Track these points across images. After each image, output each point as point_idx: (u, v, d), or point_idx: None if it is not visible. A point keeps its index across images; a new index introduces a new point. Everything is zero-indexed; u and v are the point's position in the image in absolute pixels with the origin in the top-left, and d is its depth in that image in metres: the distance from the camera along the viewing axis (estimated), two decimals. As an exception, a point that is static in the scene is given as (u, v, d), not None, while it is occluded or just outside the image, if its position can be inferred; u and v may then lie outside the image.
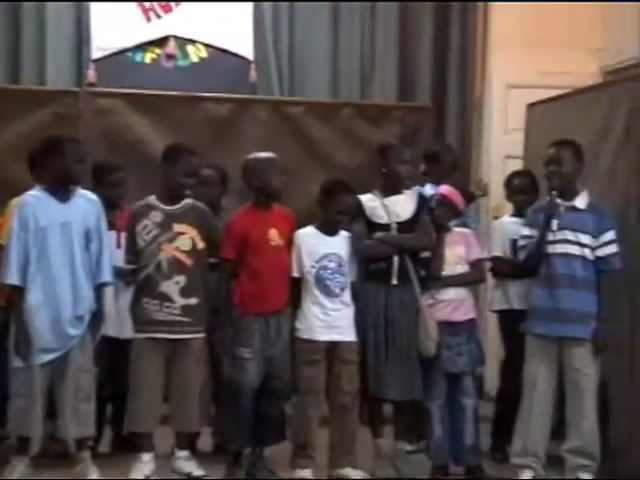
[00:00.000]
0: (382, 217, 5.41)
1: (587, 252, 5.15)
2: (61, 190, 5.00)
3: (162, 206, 5.24)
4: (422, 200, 5.51)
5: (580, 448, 5.15)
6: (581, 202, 5.21)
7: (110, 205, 5.40)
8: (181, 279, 5.19)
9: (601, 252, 5.16)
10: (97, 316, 5.11)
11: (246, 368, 5.15)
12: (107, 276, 5.10)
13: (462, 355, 5.42)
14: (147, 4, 7.54)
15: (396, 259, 5.36)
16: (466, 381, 5.46)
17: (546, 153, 5.27)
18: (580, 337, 5.12)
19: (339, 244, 5.34)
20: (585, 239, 5.15)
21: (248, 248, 5.20)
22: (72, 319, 4.95)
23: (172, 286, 5.18)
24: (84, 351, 5.02)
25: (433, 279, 5.44)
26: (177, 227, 5.21)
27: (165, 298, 5.17)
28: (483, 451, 5.66)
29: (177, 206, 5.24)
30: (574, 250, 5.15)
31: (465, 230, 5.63)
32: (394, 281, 5.36)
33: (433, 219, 5.47)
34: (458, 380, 5.44)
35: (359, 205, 5.41)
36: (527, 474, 5.20)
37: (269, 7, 7.73)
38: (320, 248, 5.30)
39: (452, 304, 5.44)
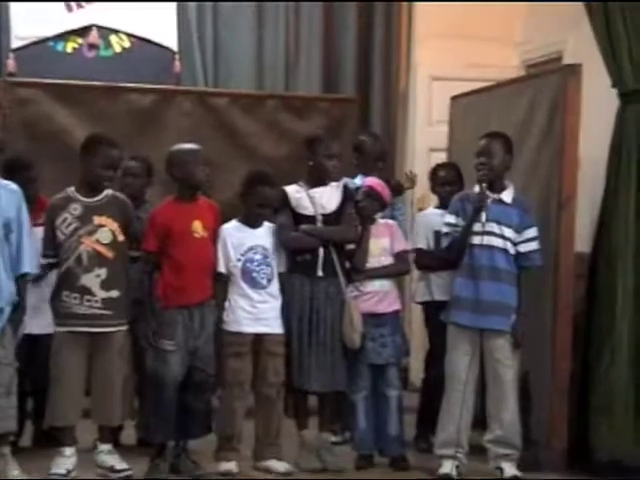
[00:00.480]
0: (307, 208, 5.42)
1: (509, 246, 5.19)
2: None
3: (82, 198, 5.16)
4: (348, 192, 5.52)
5: (502, 438, 5.20)
6: (507, 196, 5.24)
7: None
8: (102, 272, 5.12)
9: (523, 248, 5.21)
10: (18, 308, 5.02)
11: (169, 360, 5.11)
12: (27, 266, 5.01)
13: (386, 346, 5.44)
14: (69, -6, 7.46)
15: (321, 251, 5.37)
16: (390, 372, 5.48)
17: (477, 144, 5.29)
18: (500, 329, 5.17)
19: (264, 236, 5.34)
20: (509, 233, 5.19)
21: (171, 240, 5.16)
22: None
23: (93, 279, 5.11)
24: (5, 344, 4.92)
25: (357, 271, 5.46)
26: (97, 220, 5.14)
27: (86, 291, 5.10)
28: (407, 441, 5.69)
29: (97, 198, 5.17)
30: (497, 243, 5.19)
31: (390, 222, 5.65)
32: (319, 273, 5.36)
33: (358, 211, 5.48)
34: (382, 371, 5.47)
35: (284, 196, 5.41)
36: (450, 464, 5.23)
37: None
38: (245, 241, 5.30)
39: (376, 296, 5.47)
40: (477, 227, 5.20)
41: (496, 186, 5.24)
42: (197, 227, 5.21)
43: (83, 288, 5.10)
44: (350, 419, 5.56)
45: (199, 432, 5.29)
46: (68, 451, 5.11)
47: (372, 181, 5.60)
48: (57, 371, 5.10)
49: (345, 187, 5.53)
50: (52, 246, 5.15)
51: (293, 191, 5.45)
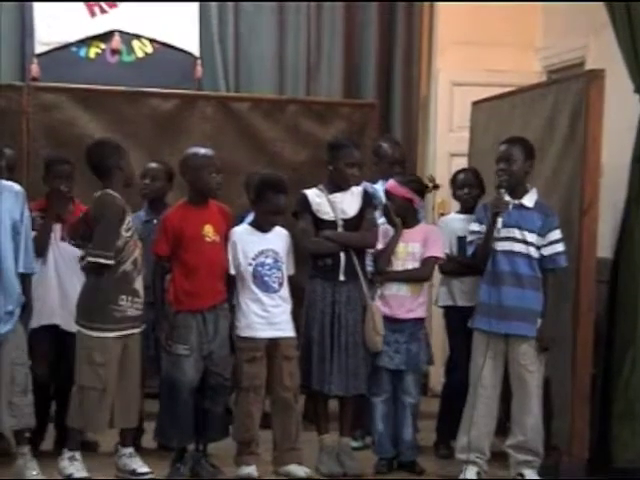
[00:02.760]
0: (328, 213, 5.42)
1: (532, 250, 5.17)
2: None
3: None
4: (367, 197, 5.52)
5: (524, 444, 5.18)
6: (529, 200, 5.22)
7: (63, 198, 5.36)
8: (142, 274, 5.18)
9: (548, 251, 5.18)
10: (26, 308, 5.03)
11: (183, 365, 5.13)
12: (32, 266, 5.03)
13: (399, 353, 5.42)
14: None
15: (343, 255, 5.37)
16: (407, 379, 5.48)
17: (497, 150, 5.28)
18: (524, 335, 5.16)
19: (274, 239, 5.35)
20: (531, 237, 5.17)
21: (182, 244, 5.18)
22: (3, 315, 4.86)
23: (140, 282, 5.15)
24: (17, 344, 4.94)
25: (378, 273, 5.47)
26: None
27: (135, 294, 5.12)
28: (428, 447, 5.69)
29: None
30: (519, 248, 5.17)
31: (430, 227, 5.66)
32: (341, 277, 5.37)
33: (386, 214, 5.50)
34: (401, 377, 5.46)
35: (305, 200, 5.42)
36: (471, 470, 5.22)
37: (215, 3, 7.69)
38: (256, 245, 5.30)
39: (395, 300, 5.45)
40: (496, 233, 5.19)
41: (517, 191, 5.23)
42: (208, 231, 5.22)
43: (134, 291, 5.11)
44: (370, 423, 5.56)
45: (217, 436, 5.31)
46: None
47: (389, 184, 5.63)
48: (101, 381, 5.02)
49: (365, 192, 5.54)
50: (114, 249, 5.03)
51: (314, 195, 5.46)
